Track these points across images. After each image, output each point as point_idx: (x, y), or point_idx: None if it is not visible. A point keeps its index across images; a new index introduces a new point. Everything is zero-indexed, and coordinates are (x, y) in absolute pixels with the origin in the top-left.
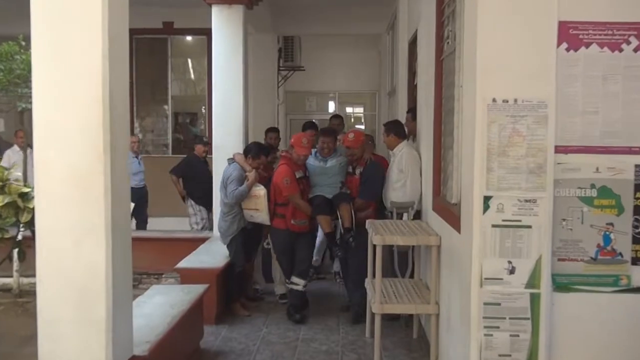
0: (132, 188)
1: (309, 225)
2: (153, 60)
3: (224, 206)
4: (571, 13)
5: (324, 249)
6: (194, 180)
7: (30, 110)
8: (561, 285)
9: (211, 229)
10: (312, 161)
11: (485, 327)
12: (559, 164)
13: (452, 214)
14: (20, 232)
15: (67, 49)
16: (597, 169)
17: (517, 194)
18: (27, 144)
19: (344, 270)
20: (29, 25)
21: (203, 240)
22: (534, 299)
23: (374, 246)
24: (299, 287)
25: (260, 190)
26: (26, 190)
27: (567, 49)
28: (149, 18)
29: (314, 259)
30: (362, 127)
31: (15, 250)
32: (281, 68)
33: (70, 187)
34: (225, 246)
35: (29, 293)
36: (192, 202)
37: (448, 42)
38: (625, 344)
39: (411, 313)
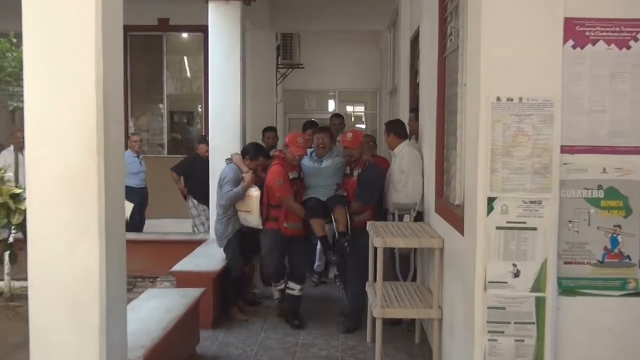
0: (133, 189)
1: (303, 229)
2: (148, 58)
3: (219, 208)
4: (578, 10)
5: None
6: (197, 180)
7: (22, 110)
8: (567, 289)
9: None
10: (306, 162)
11: (489, 332)
12: (565, 164)
13: (455, 216)
14: (12, 235)
15: (59, 47)
16: (605, 169)
17: (522, 195)
18: (23, 145)
19: (342, 275)
20: (20, 22)
21: (199, 243)
22: (540, 304)
23: (375, 249)
24: (295, 292)
25: (255, 192)
26: (18, 191)
27: (574, 47)
28: (144, 15)
29: (317, 264)
30: (363, 126)
31: (7, 253)
32: (280, 66)
33: (63, 188)
34: (222, 249)
35: (21, 297)
36: (195, 203)
37: (451, 40)
38: (633, 350)
39: (413, 318)
